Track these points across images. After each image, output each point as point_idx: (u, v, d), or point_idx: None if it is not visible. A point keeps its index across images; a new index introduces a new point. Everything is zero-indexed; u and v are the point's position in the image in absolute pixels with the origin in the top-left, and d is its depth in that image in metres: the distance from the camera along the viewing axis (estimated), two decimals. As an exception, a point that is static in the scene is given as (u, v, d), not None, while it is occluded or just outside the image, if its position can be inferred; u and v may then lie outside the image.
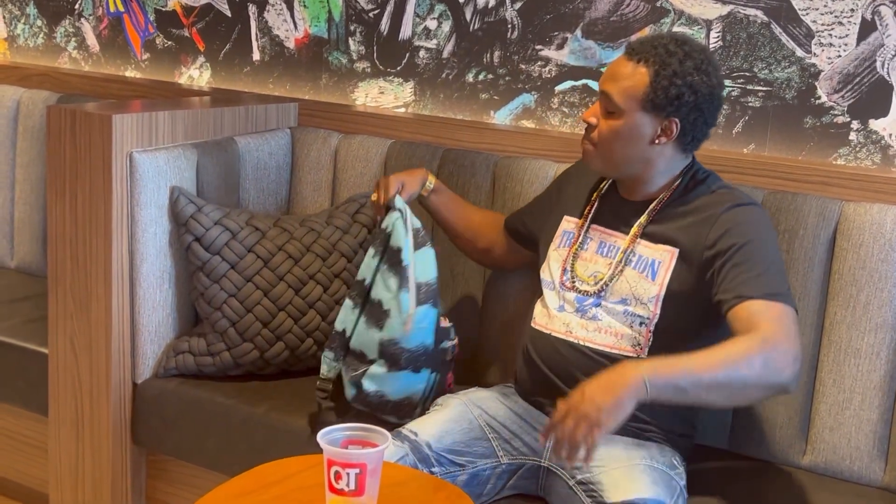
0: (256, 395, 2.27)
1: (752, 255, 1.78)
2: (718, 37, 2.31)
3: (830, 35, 2.20)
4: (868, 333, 2.00)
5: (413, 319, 2.00)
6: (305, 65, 2.91)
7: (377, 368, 2.03)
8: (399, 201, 2.09)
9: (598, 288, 1.90)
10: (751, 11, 2.27)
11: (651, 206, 1.92)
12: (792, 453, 2.08)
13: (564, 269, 1.97)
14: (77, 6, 3.29)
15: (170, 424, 2.32)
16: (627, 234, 1.92)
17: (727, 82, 2.30)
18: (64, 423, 2.39)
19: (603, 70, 2.42)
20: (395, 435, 1.83)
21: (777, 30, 2.25)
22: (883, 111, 2.17)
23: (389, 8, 2.74)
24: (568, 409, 1.60)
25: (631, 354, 1.87)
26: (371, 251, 2.08)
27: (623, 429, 1.86)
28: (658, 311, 1.85)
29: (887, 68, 2.15)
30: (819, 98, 2.23)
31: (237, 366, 2.32)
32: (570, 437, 1.59)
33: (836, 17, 2.18)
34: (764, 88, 2.28)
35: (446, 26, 2.66)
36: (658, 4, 2.37)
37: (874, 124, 2.19)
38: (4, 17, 3.46)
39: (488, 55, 2.61)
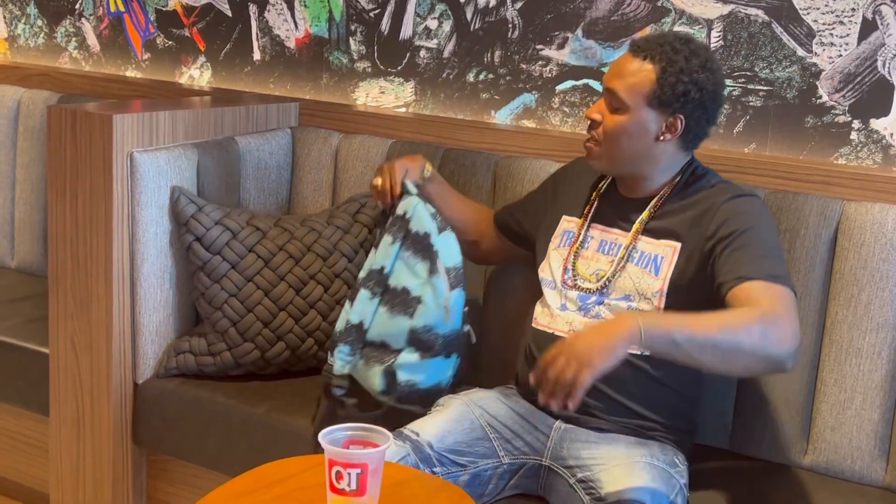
0: (257, 395, 2.27)
1: (751, 241, 1.79)
2: (719, 36, 2.31)
3: (831, 34, 2.19)
4: (869, 333, 2.00)
5: (448, 304, 1.98)
6: (306, 64, 2.91)
7: (408, 356, 1.99)
8: (412, 186, 2.05)
9: (601, 285, 1.91)
10: (752, 11, 2.27)
11: (653, 202, 1.93)
12: (793, 453, 2.08)
13: (566, 268, 1.97)
14: (78, 6, 3.29)
15: (171, 424, 2.32)
16: (629, 231, 1.93)
17: (728, 82, 2.30)
18: (65, 423, 2.39)
19: (604, 70, 2.43)
20: (397, 435, 1.83)
21: (778, 29, 2.25)
22: (884, 111, 2.17)
23: (390, 7, 2.74)
24: (560, 349, 1.60)
25: (635, 352, 1.86)
26: (388, 238, 2.02)
27: (624, 427, 1.88)
28: (661, 306, 1.86)
29: (888, 67, 2.15)
30: (820, 97, 2.23)
31: (238, 366, 2.32)
32: (558, 376, 1.58)
33: (836, 16, 2.18)
34: (765, 88, 2.28)
35: (447, 26, 2.66)
36: (659, 4, 2.37)
37: (875, 124, 2.19)
38: (5, 17, 3.46)
39: (489, 55, 2.61)
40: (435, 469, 1.82)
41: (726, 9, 2.29)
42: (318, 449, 1.51)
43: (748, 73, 2.29)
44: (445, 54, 2.68)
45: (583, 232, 1.98)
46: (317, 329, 2.33)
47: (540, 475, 1.92)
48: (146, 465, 2.44)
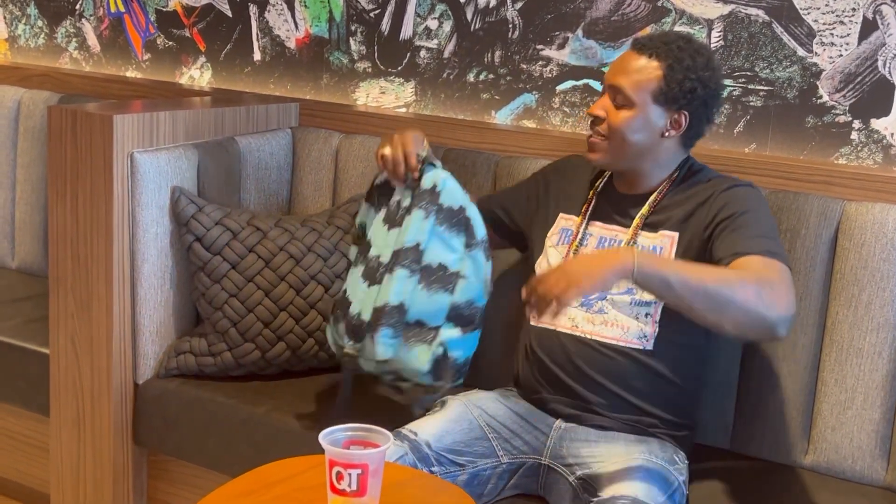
0: (258, 396, 2.27)
1: (749, 222, 1.82)
2: (720, 36, 2.31)
3: (832, 34, 2.19)
4: (870, 333, 2.00)
5: (487, 276, 1.96)
6: (306, 65, 2.91)
7: (450, 332, 1.93)
8: (434, 157, 1.97)
9: None
10: (752, 11, 2.27)
11: (652, 198, 1.95)
12: (794, 453, 2.08)
13: None
14: (78, 6, 3.29)
15: (171, 424, 2.32)
16: (628, 226, 1.94)
17: (728, 82, 2.30)
18: (65, 424, 2.39)
19: (604, 70, 2.43)
20: (395, 434, 1.83)
21: (778, 29, 2.25)
22: (884, 110, 2.17)
23: (390, 8, 2.74)
24: (554, 268, 1.68)
25: (638, 346, 1.89)
26: (420, 213, 1.91)
27: (625, 424, 1.89)
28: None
29: (889, 67, 2.15)
30: (820, 97, 2.23)
31: (238, 366, 2.32)
32: (546, 290, 1.64)
33: (837, 16, 2.18)
34: (765, 88, 2.28)
35: (447, 26, 2.66)
36: (659, 4, 2.37)
37: (876, 123, 2.19)
38: (5, 18, 3.46)
39: (489, 55, 2.61)
40: (433, 468, 1.82)
41: (727, 9, 2.29)
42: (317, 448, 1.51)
43: (748, 73, 2.29)
44: (446, 54, 2.68)
45: (581, 229, 1.99)
46: (317, 329, 2.33)
47: (539, 474, 1.92)
48: (147, 466, 2.44)
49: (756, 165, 2.18)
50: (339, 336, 1.97)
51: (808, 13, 2.21)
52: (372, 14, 2.77)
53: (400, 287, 1.89)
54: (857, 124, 2.20)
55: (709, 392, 2.12)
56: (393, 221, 1.96)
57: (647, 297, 1.88)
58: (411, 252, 1.90)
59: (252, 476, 1.68)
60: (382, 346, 1.89)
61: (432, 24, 2.68)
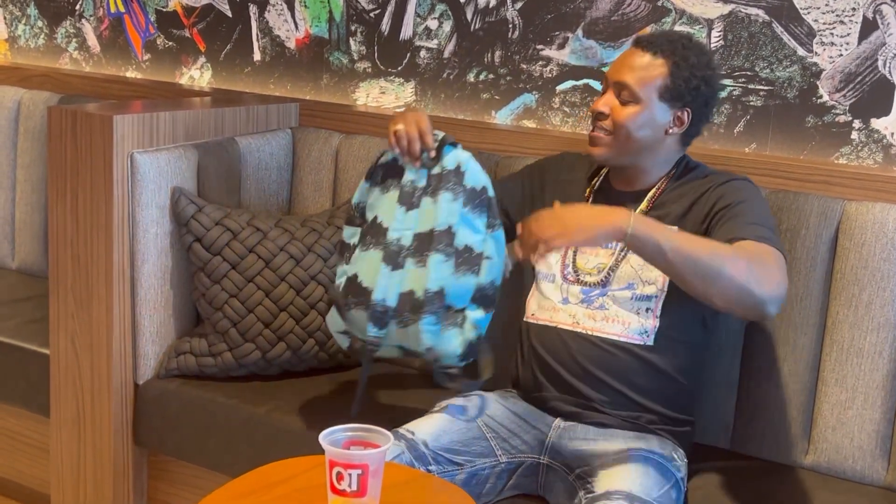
0: (258, 396, 2.27)
1: (745, 211, 1.84)
2: (720, 36, 2.31)
3: (832, 34, 2.19)
4: (870, 333, 2.00)
5: (507, 255, 1.94)
6: (306, 65, 2.91)
7: (475, 314, 1.90)
8: (451, 136, 1.94)
9: (603, 277, 1.93)
10: (752, 11, 2.27)
11: (650, 194, 1.97)
12: (794, 453, 2.08)
13: (565, 264, 1.98)
14: (78, 7, 3.29)
15: (171, 425, 2.32)
16: None
17: (728, 82, 2.31)
18: (65, 424, 2.39)
19: (605, 69, 2.43)
20: (392, 434, 1.83)
21: (778, 29, 2.25)
22: (885, 110, 2.17)
23: (390, 8, 2.74)
24: (553, 211, 1.71)
25: (639, 342, 1.90)
26: (447, 195, 1.88)
27: (625, 421, 1.89)
28: (666, 288, 1.88)
29: (889, 67, 2.15)
30: (821, 97, 2.23)
31: (239, 366, 2.32)
32: (538, 228, 1.69)
33: (837, 15, 2.18)
34: (765, 88, 2.28)
35: (447, 26, 2.66)
36: (659, 4, 2.37)
37: (876, 123, 2.19)
38: (5, 18, 3.46)
39: (489, 55, 2.61)
40: (430, 467, 1.82)
41: (727, 8, 2.29)
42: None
43: (748, 73, 2.29)
44: (446, 54, 2.67)
45: None
46: (317, 330, 2.32)
47: (538, 474, 1.92)
48: (147, 466, 2.44)
49: (756, 165, 2.17)
50: (358, 324, 1.91)
51: (808, 13, 2.21)
52: (372, 14, 2.77)
53: (437, 273, 1.86)
54: (857, 124, 2.20)
55: (709, 392, 2.12)
56: (410, 203, 1.91)
57: (648, 291, 1.89)
58: (444, 236, 1.87)
59: (252, 476, 1.68)
60: (427, 333, 1.87)
61: (432, 24, 2.68)
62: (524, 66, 2.57)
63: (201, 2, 3.05)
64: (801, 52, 2.23)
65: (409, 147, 1.91)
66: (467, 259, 1.88)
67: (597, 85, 2.47)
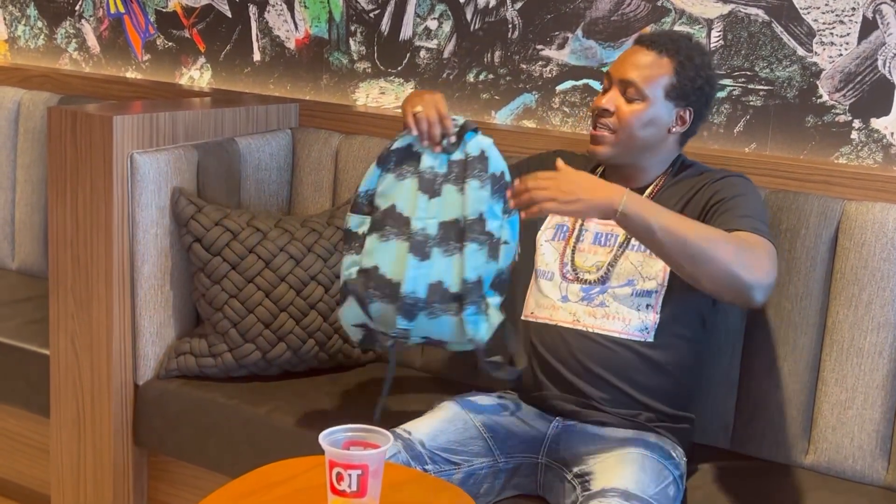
0: (258, 396, 2.27)
1: (739, 205, 1.86)
2: (719, 36, 2.31)
3: (832, 34, 2.19)
4: (870, 333, 2.00)
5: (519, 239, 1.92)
6: (306, 65, 2.91)
7: (494, 300, 1.88)
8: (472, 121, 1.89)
9: (602, 274, 1.93)
10: (752, 10, 2.27)
11: (648, 191, 1.98)
12: (794, 453, 2.08)
13: (564, 263, 1.98)
14: (78, 7, 3.29)
15: (171, 425, 2.32)
16: None
17: (728, 82, 2.31)
18: (65, 425, 2.39)
19: (604, 69, 2.43)
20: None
21: (778, 29, 2.25)
22: (884, 110, 2.17)
23: (390, 8, 2.74)
24: (558, 173, 1.73)
25: (639, 339, 1.90)
26: (475, 183, 1.84)
27: (625, 420, 1.90)
28: (666, 283, 1.89)
29: (888, 67, 2.15)
30: (820, 97, 2.23)
31: (239, 367, 2.32)
32: (533, 186, 1.70)
33: (837, 15, 2.18)
34: (765, 87, 2.28)
35: (447, 26, 2.66)
36: (659, 4, 2.37)
37: (876, 123, 2.18)
38: (5, 19, 3.46)
39: (489, 55, 2.61)
40: (427, 467, 1.82)
41: (726, 8, 2.29)
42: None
43: (748, 73, 2.29)
44: (445, 55, 2.67)
45: (578, 226, 2.00)
46: (318, 330, 2.32)
47: (537, 474, 1.92)
48: (147, 467, 2.44)
49: (756, 165, 2.17)
50: (385, 317, 1.85)
51: (808, 13, 2.21)
52: (371, 14, 2.77)
53: (474, 262, 1.83)
54: (857, 124, 2.20)
55: (709, 391, 2.12)
56: (432, 190, 1.87)
57: (649, 286, 1.90)
58: (476, 224, 1.84)
59: (253, 477, 1.68)
60: (470, 324, 1.84)
61: (432, 24, 2.68)
62: (524, 67, 2.57)
63: (201, 2, 3.05)
64: (800, 51, 2.23)
65: (430, 130, 1.87)
66: (493, 246, 1.86)
67: (596, 85, 2.47)
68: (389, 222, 1.87)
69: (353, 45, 2.81)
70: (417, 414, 1.98)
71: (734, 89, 2.31)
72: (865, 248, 2.00)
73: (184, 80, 3.14)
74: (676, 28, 2.35)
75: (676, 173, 2.00)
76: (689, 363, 1.96)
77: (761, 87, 2.28)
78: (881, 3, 2.14)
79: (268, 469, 1.69)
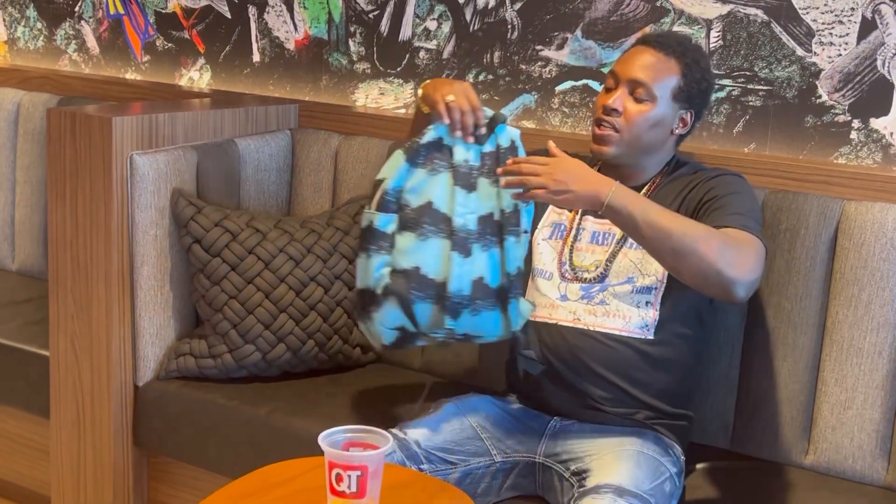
0: (258, 397, 2.27)
1: (732, 202, 1.87)
2: (719, 36, 2.31)
3: (831, 34, 2.19)
4: (870, 333, 2.00)
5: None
6: (305, 66, 2.91)
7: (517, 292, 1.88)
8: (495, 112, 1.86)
9: (601, 272, 1.94)
10: (751, 11, 2.27)
11: (645, 189, 1.98)
12: (794, 453, 2.08)
13: (562, 262, 1.98)
14: (77, 9, 3.29)
15: (171, 426, 2.32)
16: None
17: (728, 82, 2.31)
18: (65, 426, 2.39)
19: (604, 70, 2.43)
20: None
21: (777, 29, 2.25)
22: (884, 110, 2.17)
23: (389, 9, 2.74)
24: (555, 161, 1.76)
25: (640, 336, 1.91)
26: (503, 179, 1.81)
27: (625, 419, 1.90)
28: (665, 280, 1.90)
29: (888, 67, 2.15)
30: (820, 97, 2.23)
31: (239, 368, 2.32)
32: (527, 170, 1.73)
33: (836, 15, 2.18)
34: (764, 88, 2.28)
35: (446, 27, 2.66)
36: (658, 4, 2.37)
37: (875, 123, 2.19)
38: (4, 20, 3.46)
39: (488, 56, 2.61)
40: (422, 466, 1.83)
41: (725, 9, 2.29)
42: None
43: (748, 73, 2.29)
44: (445, 55, 2.67)
45: (575, 225, 2.00)
46: (317, 331, 2.33)
47: (535, 473, 1.92)
48: (147, 468, 2.44)
49: (755, 165, 2.17)
50: (432, 318, 1.81)
51: (807, 13, 2.21)
52: (371, 15, 2.77)
53: (513, 255, 1.82)
54: (856, 124, 2.20)
55: (708, 391, 2.13)
56: (469, 184, 1.82)
57: (648, 282, 1.91)
58: (514, 217, 1.82)
59: (253, 478, 1.68)
60: (514, 316, 1.83)
61: (431, 24, 2.68)
62: (523, 67, 2.57)
63: (200, 3, 3.05)
64: (799, 52, 2.23)
65: (463, 120, 1.83)
66: (524, 237, 1.88)
67: (596, 85, 2.47)
68: (426, 220, 1.81)
69: (353, 46, 2.81)
70: (416, 414, 1.98)
71: (733, 89, 2.31)
72: (865, 247, 2.00)
73: (183, 81, 3.14)
74: (676, 28, 2.35)
75: (672, 171, 2.01)
76: (688, 360, 1.97)
77: (760, 87, 2.28)
78: (880, 3, 2.14)
79: (268, 470, 1.69)
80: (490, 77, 2.62)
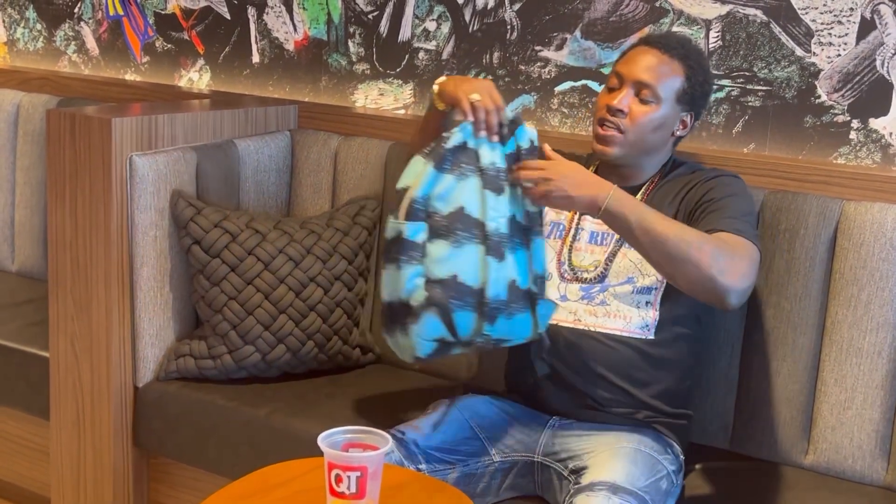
0: (258, 398, 2.27)
1: (728, 205, 1.88)
2: (718, 36, 2.31)
3: (830, 34, 2.19)
4: (870, 333, 2.00)
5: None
6: (305, 67, 2.91)
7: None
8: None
9: (600, 271, 1.94)
10: (750, 11, 2.27)
11: (642, 190, 1.99)
12: (794, 453, 2.08)
13: (561, 262, 1.99)
14: (76, 10, 3.29)
15: (171, 427, 2.32)
16: None
17: (727, 82, 2.31)
18: (65, 427, 2.39)
19: (603, 70, 2.43)
20: None
21: (776, 29, 2.25)
22: (883, 110, 2.17)
23: (388, 10, 2.74)
24: (558, 163, 1.78)
25: (641, 336, 1.91)
26: None
27: (625, 418, 1.89)
28: (664, 279, 1.89)
29: (887, 67, 2.15)
30: (819, 97, 2.23)
31: (238, 368, 2.32)
32: (526, 175, 1.75)
33: (835, 16, 2.18)
34: (764, 88, 2.28)
35: (445, 28, 2.66)
36: (657, 4, 2.37)
37: (874, 123, 2.19)
38: (4, 21, 3.47)
39: (488, 56, 2.61)
40: (420, 466, 1.83)
41: (724, 9, 2.29)
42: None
43: (747, 73, 2.29)
44: (444, 56, 2.68)
45: (573, 225, 2.00)
46: (317, 332, 2.33)
47: (534, 473, 1.93)
48: (147, 468, 2.44)
49: (755, 165, 2.18)
50: (472, 327, 1.77)
51: (806, 13, 2.21)
52: (370, 16, 2.77)
53: (540, 256, 1.81)
54: (855, 124, 2.20)
55: (708, 391, 2.13)
56: (498, 186, 1.78)
57: (648, 282, 1.91)
58: (538, 217, 1.82)
59: (252, 478, 1.68)
60: (542, 318, 1.82)
61: (430, 25, 2.68)
62: (522, 68, 2.57)
63: (200, 4, 3.06)
64: (799, 52, 2.23)
65: (488, 119, 1.79)
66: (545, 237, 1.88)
67: (595, 86, 2.47)
68: (459, 226, 1.76)
69: (352, 47, 2.81)
70: (415, 415, 1.98)
71: (733, 90, 2.31)
72: (864, 248, 2.00)
73: (183, 82, 3.14)
74: (675, 29, 2.35)
75: (669, 172, 2.01)
76: (688, 360, 1.97)
77: (760, 87, 2.28)
78: (879, 4, 2.14)
79: (267, 471, 1.69)
80: (489, 78, 2.62)
